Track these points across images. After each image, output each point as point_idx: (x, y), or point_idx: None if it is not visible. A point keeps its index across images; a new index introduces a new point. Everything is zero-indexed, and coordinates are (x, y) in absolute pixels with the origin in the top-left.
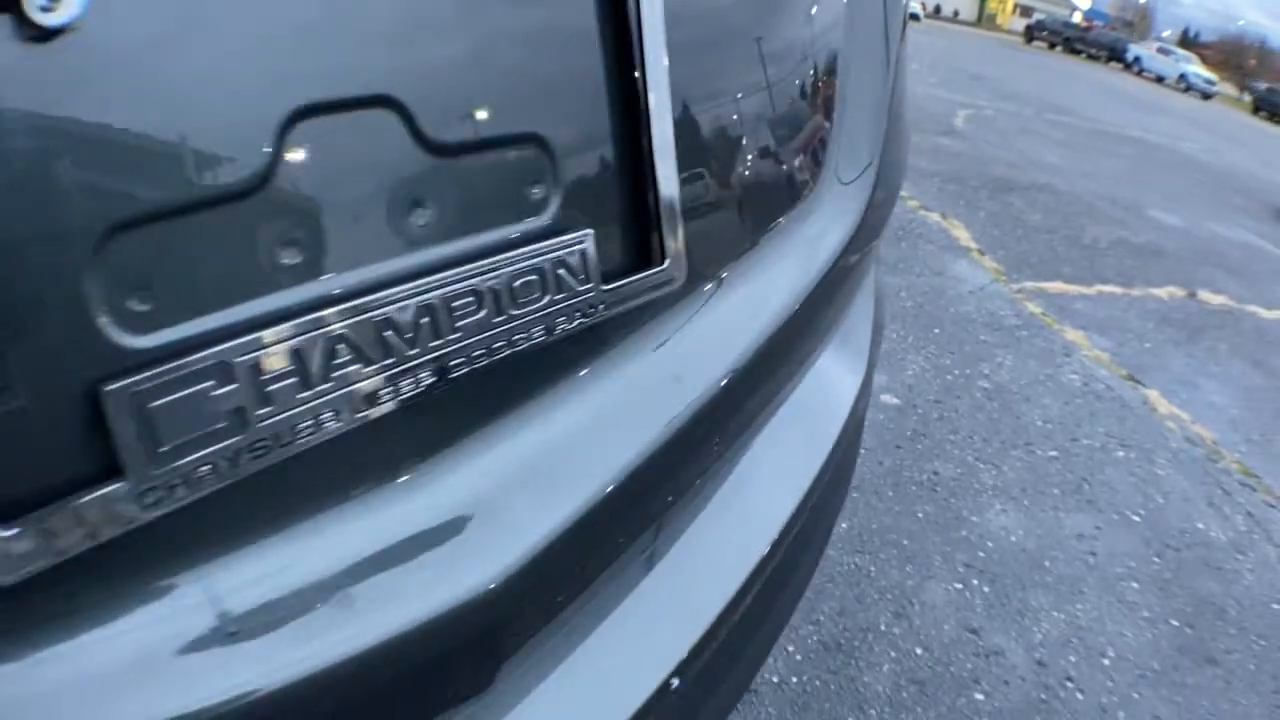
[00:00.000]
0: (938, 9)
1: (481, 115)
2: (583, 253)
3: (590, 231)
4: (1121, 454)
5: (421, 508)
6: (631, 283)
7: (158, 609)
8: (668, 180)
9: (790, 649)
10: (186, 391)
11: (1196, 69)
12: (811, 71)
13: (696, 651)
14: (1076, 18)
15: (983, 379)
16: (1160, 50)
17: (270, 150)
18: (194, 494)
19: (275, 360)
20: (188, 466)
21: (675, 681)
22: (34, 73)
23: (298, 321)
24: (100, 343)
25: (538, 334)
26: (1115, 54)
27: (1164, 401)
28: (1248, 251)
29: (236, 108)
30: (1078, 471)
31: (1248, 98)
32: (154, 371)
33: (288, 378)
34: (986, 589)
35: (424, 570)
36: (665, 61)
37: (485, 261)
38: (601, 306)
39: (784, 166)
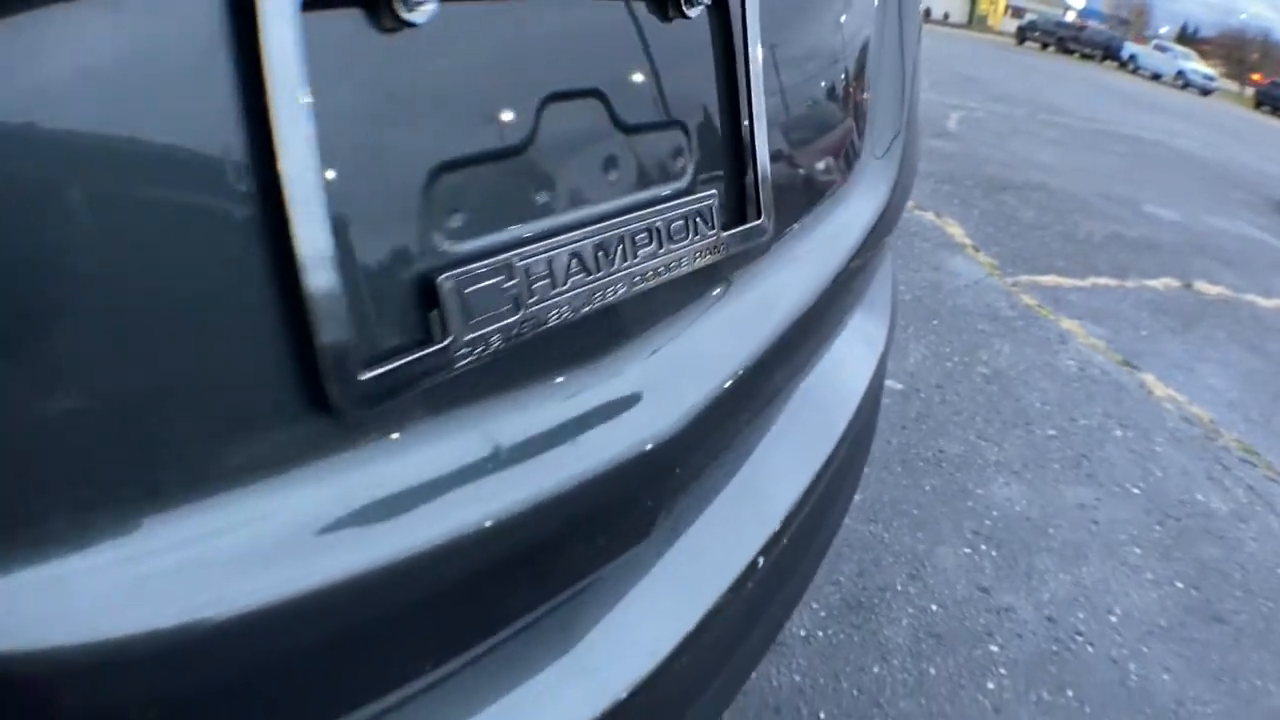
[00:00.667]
0: (928, 12)
1: (649, 107)
2: (711, 208)
3: (714, 193)
4: (1119, 433)
5: (617, 381)
6: (741, 231)
7: (454, 439)
8: (763, 163)
9: (815, 606)
10: (486, 284)
11: (1195, 65)
12: (854, 73)
13: (776, 536)
14: (1070, 17)
15: (981, 365)
16: (1157, 47)
17: (533, 122)
18: (484, 357)
19: (536, 266)
20: (484, 335)
21: (761, 560)
22: (395, 53)
23: (548, 241)
24: (436, 248)
25: (685, 264)
26: (1110, 53)
27: (1160, 385)
28: (1246, 243)
29: (514, 91)
30: (1076, 448)
31: (1249, 92)
32: (467, 268)
33: (542, 279)
34: (994, 553)
35: (622, 424)
36: (762, 89)
37: (653, 209)
38: (722, 247)
39: (837, 149)
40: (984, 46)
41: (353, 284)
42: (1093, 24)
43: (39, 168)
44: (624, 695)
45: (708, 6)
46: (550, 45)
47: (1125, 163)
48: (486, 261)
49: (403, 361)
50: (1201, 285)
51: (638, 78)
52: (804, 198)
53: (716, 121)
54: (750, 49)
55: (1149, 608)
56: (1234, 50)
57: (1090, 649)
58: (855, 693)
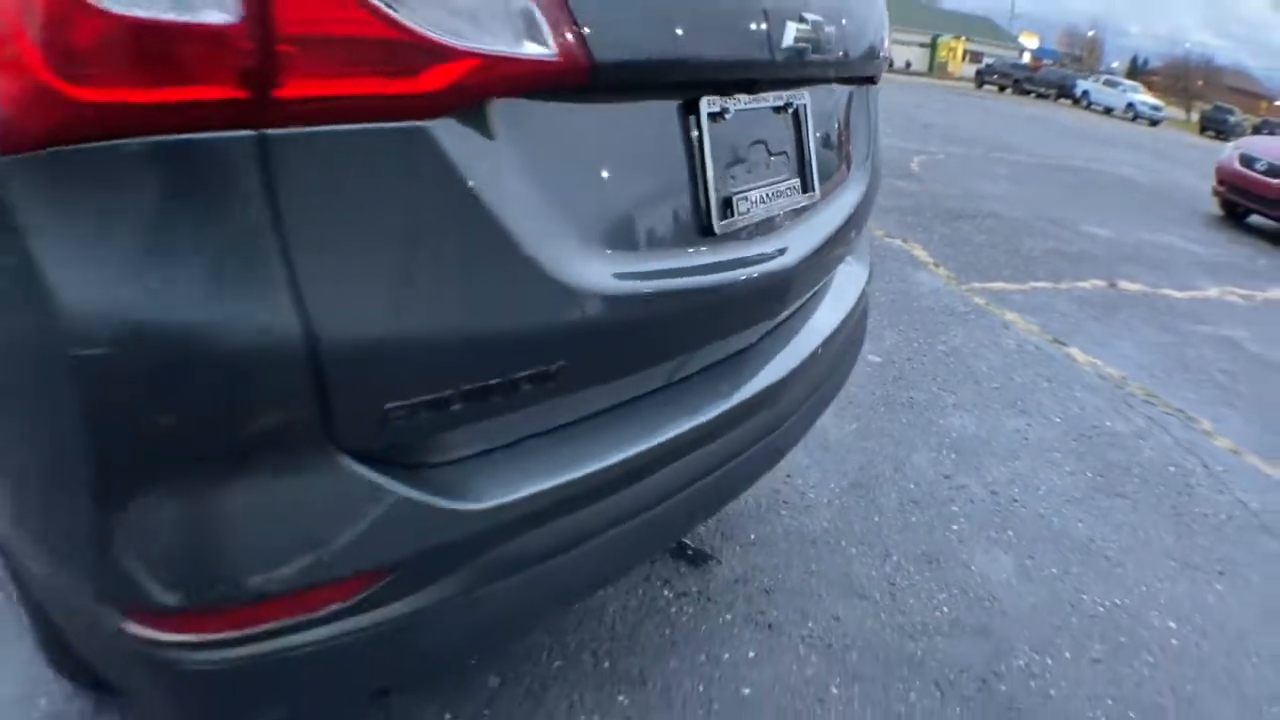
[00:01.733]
0: (890, 63)
1: (777, 147)
2: (800, 182)
3: (798, 179)
4: (1047, 385)
5: (778, 240)
6: (811, 195)
7: (726, 253)
8: (813, 169)
9: (832, 487)
10: (745, 201)
11: (1142, 97)
12: (846, 125)
13: (828, 339)
14: (1026, 58)
15: (941, 345)
16: (1107, 82)
17: (753, 153)
18: (740, 224)
19: (755, 195)
20: (746, 207)
21: (820, 350)
22: (729, 130)
23: (757, 189)
24: (729, 188)
25: (795, 202)
26: (1064, 90)
27: (1082, 354)
28: (1169, 251)
29: (749, 143)
30: (1014, 395)
31: (1195, 118)
32: (742, 193)
33: (759, 202)
34: (953, 456)
35: (779, 258)
36: (813, 139)
37: (785, 181)
38: (803, 203)
39: (843, 158)
40: (944, 93)
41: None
42: (1047, 63)
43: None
44: (763, 388)
45: (792, 111)
46: (759, 125)
47: (1069, 191)
48: (743, 191)
49: (735, 220)
50: (1124, 284)
51: (773, 135)
52: (830, 183)
53: (799, 153)
54: (809, 124)
55: (1066, 487)
56: (1179, 78)
57: (1023, 509)
58: (863, 531)
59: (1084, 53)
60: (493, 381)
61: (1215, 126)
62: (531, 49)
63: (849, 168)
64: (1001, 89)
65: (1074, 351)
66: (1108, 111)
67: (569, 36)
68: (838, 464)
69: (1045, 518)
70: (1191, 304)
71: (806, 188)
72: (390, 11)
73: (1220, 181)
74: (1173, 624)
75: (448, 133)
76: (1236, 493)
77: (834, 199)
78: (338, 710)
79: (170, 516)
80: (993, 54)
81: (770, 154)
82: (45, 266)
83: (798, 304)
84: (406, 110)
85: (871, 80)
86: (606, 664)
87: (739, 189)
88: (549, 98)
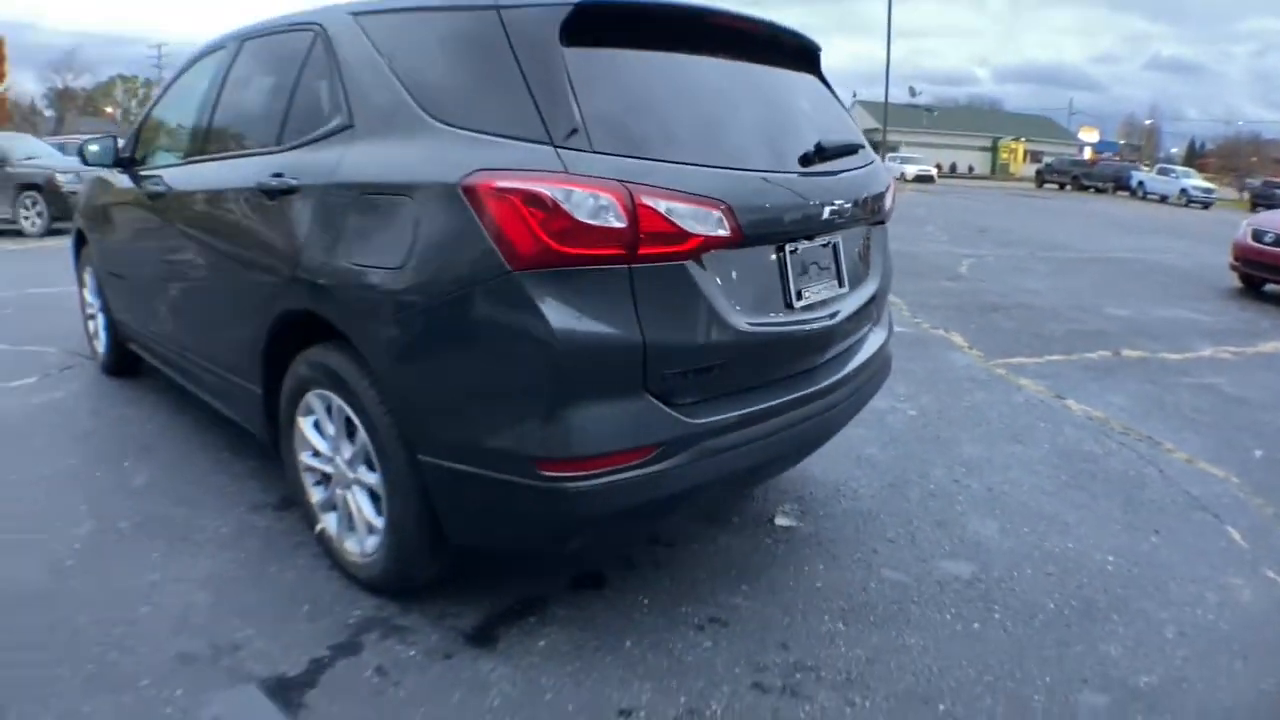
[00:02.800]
0: (953, 167)
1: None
2: (837, 281)
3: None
4: (1042, 425)
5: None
6: (844, 288)
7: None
8: (846, 272)
9: (875, 485)
10: (813, 251)
11: (1194, 181)
12: (869, 247)
13: (865, 365)
14: (1086, 153)
15: (964, 402)
16: (1160, 171)
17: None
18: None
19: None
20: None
21: (860, 369)
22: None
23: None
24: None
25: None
26: (1120, 183)
27: (1076, 404)
28: (1176, 324)
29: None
30: (1014, 432)
31: (1246, 196)
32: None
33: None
34: (962, 469)
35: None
36: (845, 256)
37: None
38: (841, 292)
39: (865, 266)
40: (1003, 196)
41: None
42: (1107, 156)
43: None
44: (831, 382)
45: (832, 245)
46: (815, 253)
47: (1101, 280)
48: (808, 286)
49: (803, 300)
50: (1127, 352)
51: (822, 258)
52: (857, 280)
53: (836, 266)
54: (842, 251)
55: (1044, 485)
56: (1231, 158)
57: (1009, 499)
58: (895, 510)
59: (1143, 142)
60: (701, 367)
61: (1265, 201)
62: (721, 232)
63: (868, 272)
64: (1061, 186)
65: (1070, 402)
66: (1163, 199)
67: (735, 225)
68: (880, 473)
69: (1024, 503)
70: (1184, 363)
71: (841, 284)
72: (679, 223)
73: (1236, 257)
74: (1111, 559)
75: (692, 264)
76: (1183, 486)
77: (860, 290)
78: (628, 524)
79: (572, 416)
80: (1053, 152)
81: (820, 267)
82: (545, 311)
83: (846, 344)
84: (678, 256)
85: (881, 222)
86: (733, 571)
87: (805, 285)
88: (726, 248)
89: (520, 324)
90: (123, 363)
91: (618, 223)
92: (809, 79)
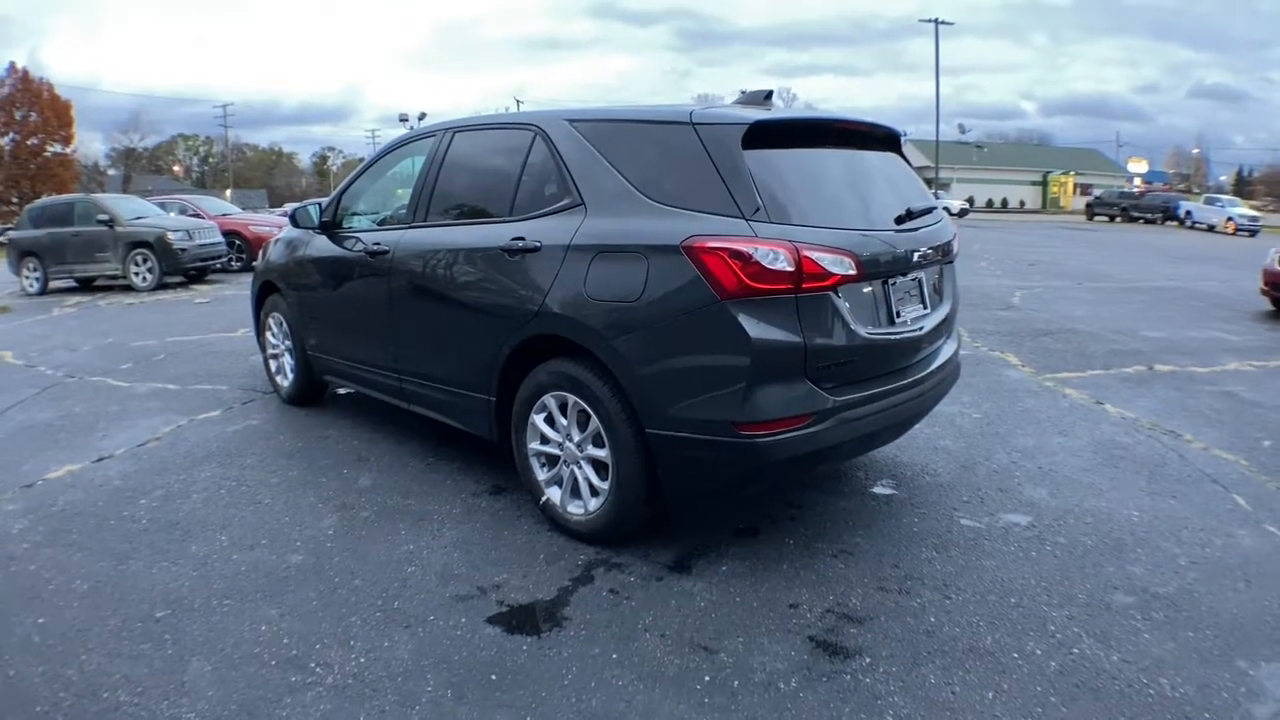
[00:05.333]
0: (1004, 202)
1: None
2: (923, 305)
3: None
4: (1083, 423)
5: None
6: (927, 309)
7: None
8: (929, 297)
9: (950, 467)
10: (908, 283)
11: (1240, 209)
12: (942, 279)
13: (942, 366)
14: (1137, 184)
15: (1019, 407)
16: (1206, 200)
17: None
18: (914, 284)
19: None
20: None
21: (940, 368)
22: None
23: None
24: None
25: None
26: (1169, 213)
27: (1113, 407)
28: (1207, 343)
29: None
30: (1060, 428)
31: None
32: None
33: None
34: (1018, 454)
35: (920, 327)
36: (927, 286)
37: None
38: (926, 311)
39: (940, 294)
40: (1054, 230)
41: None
42: (1155, 186)
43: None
44: (920, 376)
45: (918, 279)
46: (908, 285)
47: (1141, 307)
48: (904, 307)
49: (901, 317)
50: (1159, 366)
51: (912, 288)
52: (936, 303)
53: (921, 293)
54: (925, 283)
55: (1083, 465)
56: (1278, 184)
57: (1056, 474)
58: (966, 483)
59: (1191, 171)
60: (839, 362)
61: None
62: (851, 273)
63: (943, 298)
64: (1111, 219)
65: (1107, 406)
66: (1210, 228)
67: (858, 267)
68: (953, 458)
69: (1068, 477)
70: (1210, 375)
71: (925, 307)
72: (826, 267)
73: (1266, 283)
74: (1135, 514)
75: (833, 294)
76: (1198, 466)
77: (938, 310)
78: (794, 469)
79: (760, 394)
80: (1102, 184)
81: (911, 295)
82: (744, 325)
83: (930, 349)
84: (825, 289)
85: (950, 261)
86: (850, 522)
87: (902, 307)
88: (853, 283)
89: (726, 334)
90: (308, 394)
91: (789, 268)
92: (894, 156)
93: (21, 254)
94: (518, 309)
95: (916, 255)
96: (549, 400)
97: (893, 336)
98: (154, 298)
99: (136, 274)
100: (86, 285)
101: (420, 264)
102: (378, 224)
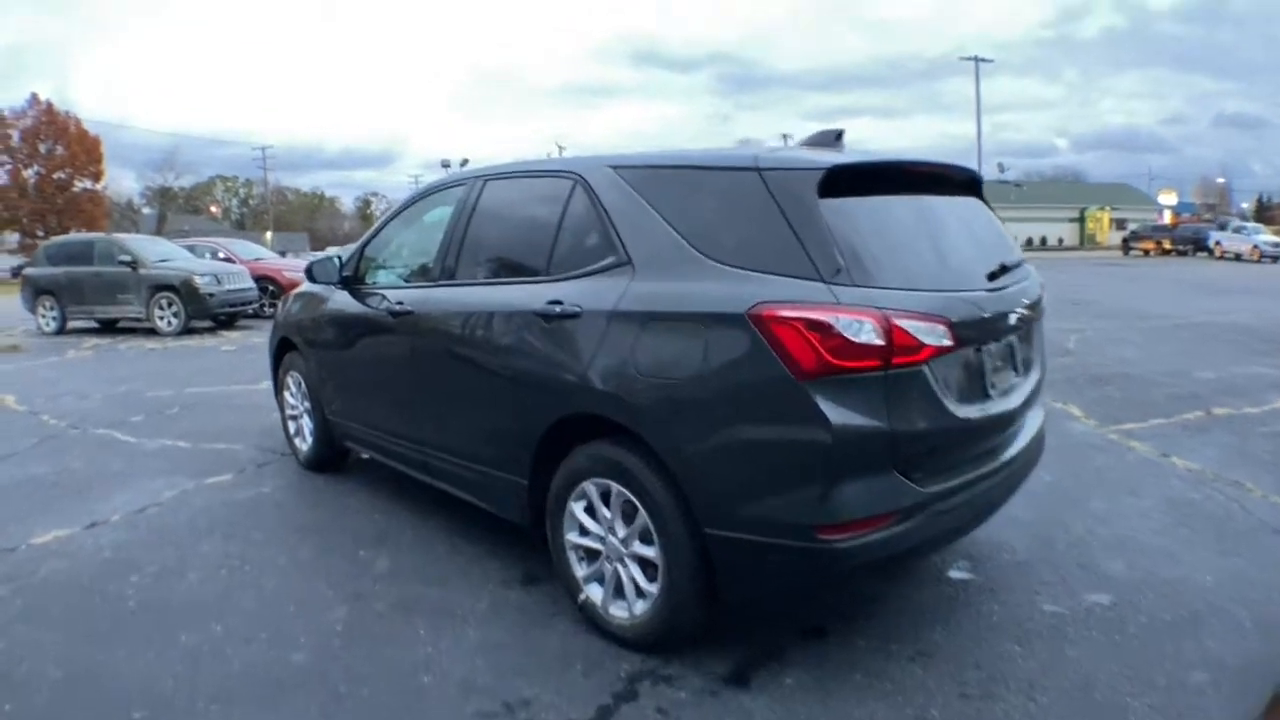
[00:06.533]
0: (1043, 240)
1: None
2: (1014, 371)
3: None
4: (1152, 479)
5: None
6: (1021, 376)
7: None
8: (1021, 363)
9: (1029, 519)
10: (999, 351)
11: (1265, 237)
12: (1034, 340)
13: (1033, 439)
14: (1166, 216)
15: (1088, 466)
16: (1234, 230)
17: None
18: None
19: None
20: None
21: (1031, 440)
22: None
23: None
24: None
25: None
26: (1199, 244)
27: (1180, 460)
28: (1255, 379)
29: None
30: (1130, 487)
31: None
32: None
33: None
34: (1091, 520)
35: (1009, 396)
36: (1019, 351)
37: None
38: (1019, 380)
39: (1032, 358)
40: (1094, 266)
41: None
42: (1185, 218)
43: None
44: (1015, 453)
45: (1010, 345)
46: (1001, 350)
47: (1187, 345)
48: (999, 376)
49: (993, 388)
50: (1216, 410)
51: (1006, 355)
52: (1028, 368)
53: (1013, 360)
54: (1018, 348)
55: (1156, 527)
56: None
57: (1130, 541)
58: (1052, 552)
59: (1217, 200)
60: (930, 448)
61: None
62: (946, 342)
63: (1032, 362)
64: (1146, 252)
65: (1174, 459)
66: (1237, 257)
67: (953, 336)
68: (1029, 530)
69: (1143, 543)
70: (1261, 415)
71: (1018, 373)
72: (919, 337)
73: None
74: (1209, 578)
75: (925, 368)
76: (1259, 516)
77: (1030, 375)
78: (872, 571)
79: (843, 490)
80: (1136, 218)
81: (1005, 361)
82: (824, 410)
83: (1022, 420)
84: (916, 363)
85: (1039, 318)
86: (926, 616)
87: (996, 377)
88: (946, 353)
89: (803, 421)
90: (329, 459)
91: (878, 340)
92: (975, 202)
93: (38, 292)
94: (554, 382)
95: (1013, 317)
96: (589, 488)
97: (989, 412)
98: (178, 343)
99: (161, 318)
100: (109, 327)
101: (446, 327)
102: (403, 279)
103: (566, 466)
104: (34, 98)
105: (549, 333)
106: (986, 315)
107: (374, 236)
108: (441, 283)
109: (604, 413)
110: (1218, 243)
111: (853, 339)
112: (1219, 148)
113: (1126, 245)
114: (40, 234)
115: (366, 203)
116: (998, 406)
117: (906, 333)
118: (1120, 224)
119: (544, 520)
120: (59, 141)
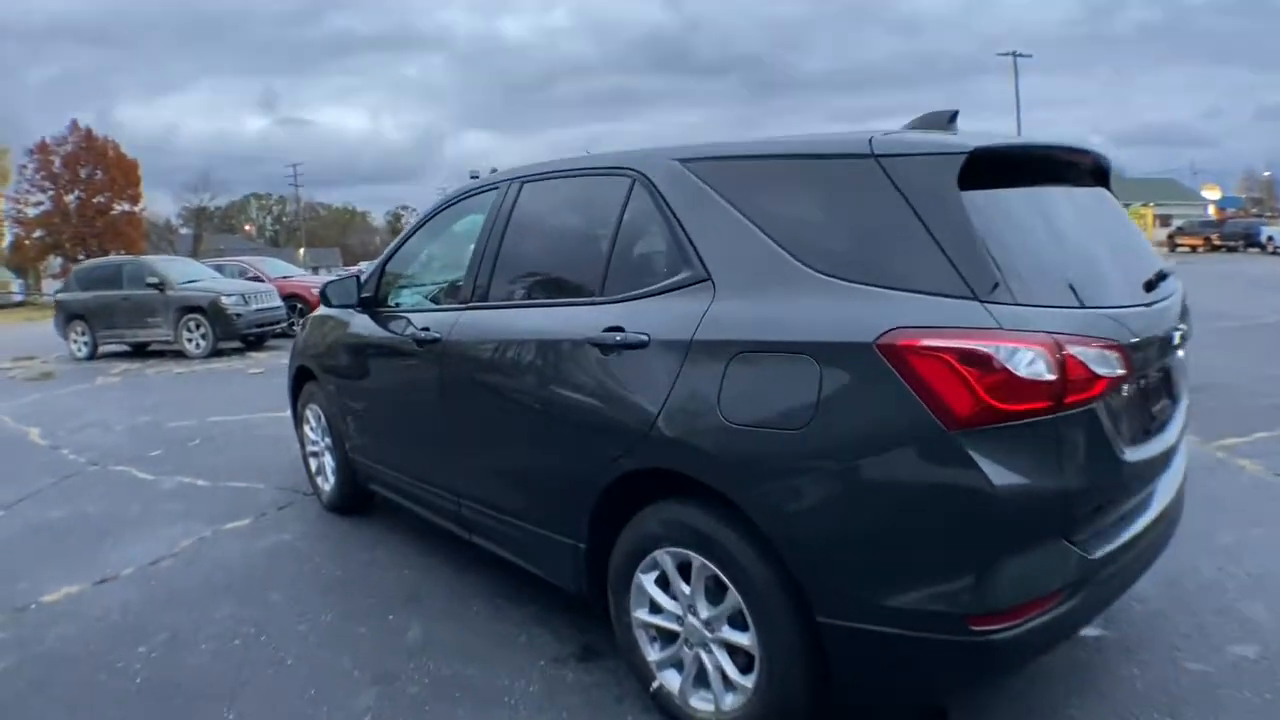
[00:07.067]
0: None
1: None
2: (1170, 401)
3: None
4: (1273, 505)
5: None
6: (1174, 404)
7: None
8: (1176, 386)
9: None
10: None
11: None
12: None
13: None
14: (1211, 211)
15: (1204, 493)
16: None
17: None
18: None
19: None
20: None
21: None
22: None
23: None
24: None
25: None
26: (1251, 239)
27: None
28: None
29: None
30: (1252, 517)
31: None
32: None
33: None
34: (1223, 557)
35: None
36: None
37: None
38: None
39: (1179, 386)
40: None
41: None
42: (1230, 212)
43: None
44: (1167, 505)
45: (1165, 374)
46: (1158, 388)
47: (1267, 349)
48: (1159, 413)
49: (1161, 418)
50: None
51: (1159, 389)
52: (1179, 399)
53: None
54: (1175, 378)
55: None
56: None
57: (1267, 579)
58: (1186, 598)
59: (1263, 194)
60: (1100, 503)
61: None
62: (1120, 372)
63: (1182, 384)
64: (1193, 248)
65: None
66: None
67: (1126, 363)
68: (1156, 574)
69: (1277, 577)
70: None
71: (1174, 401)
72: (1094, 368)
73: None
74: None
75: (1099, 406)
76: None
77: (1181, 403)
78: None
79: (1004, 568)
80: (1180, 213)
81: (1161, 387)
82: (984, 469)
83: (1176, 457)
84: (1090, 401)
85: (1190, 334)
86: (1061, 686)
87: (1155, 408)
88: (1112, 390)
89: (956, 483)
90: (353, 501)
91: (1049, 375)
92: (1105, 194)
93: (69, 317)
94: (614, 429)
95: (1176, 336)
96: (663, 558)
97: (1153, 451)
98: (205, 366)
99: (189, 340)
100: (139, 351)
101: (479, 357)
102: (429, 300)
103: (634, 530)
104: (73, 124)
105: (607, 367)
106: (1152, 335)
107: (396, 251)
108: (473, 304)
109: (681, 469)
110: (1270, 238)
111: (1021, 375)
112: (1261, 140)
113: (1173, 241)
114: (81, 257)
115: (397, 216)
116: (1159, 444)
117: (1080, 363)
118: (1165, 220)
119: (605, 589)
120: (98, 166)
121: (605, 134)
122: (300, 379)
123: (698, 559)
